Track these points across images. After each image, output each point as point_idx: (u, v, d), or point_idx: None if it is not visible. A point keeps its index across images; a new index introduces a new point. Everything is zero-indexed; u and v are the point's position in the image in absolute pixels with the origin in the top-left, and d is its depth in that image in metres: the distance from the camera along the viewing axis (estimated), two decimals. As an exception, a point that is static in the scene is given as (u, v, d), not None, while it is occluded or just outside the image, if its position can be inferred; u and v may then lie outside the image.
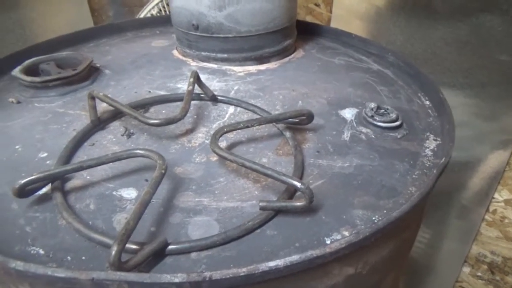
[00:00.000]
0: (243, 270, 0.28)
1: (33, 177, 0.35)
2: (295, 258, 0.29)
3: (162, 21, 0.80)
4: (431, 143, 0.46)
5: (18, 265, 0.28)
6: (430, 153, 0.45)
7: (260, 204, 0.35)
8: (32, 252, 0.32)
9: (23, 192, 0.35)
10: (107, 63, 0.63)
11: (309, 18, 1.26)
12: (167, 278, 0.27)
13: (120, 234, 0.29)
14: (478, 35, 0.88)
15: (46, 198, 0.37)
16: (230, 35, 0.60)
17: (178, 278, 0.27)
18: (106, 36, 0.75)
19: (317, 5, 1.26)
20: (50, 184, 0.38)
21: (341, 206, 0.37)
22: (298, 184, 0.34)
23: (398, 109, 0.51)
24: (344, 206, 0.37)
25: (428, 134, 0.48)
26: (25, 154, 0.43)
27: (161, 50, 0.69)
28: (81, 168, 0.37)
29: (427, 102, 0.55)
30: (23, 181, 0.34)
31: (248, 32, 0.60)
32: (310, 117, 0.45)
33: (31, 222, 0.35)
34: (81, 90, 0.55)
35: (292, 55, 0.68)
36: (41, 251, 0.32)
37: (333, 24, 1.16)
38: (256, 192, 0.38)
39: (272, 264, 0.28)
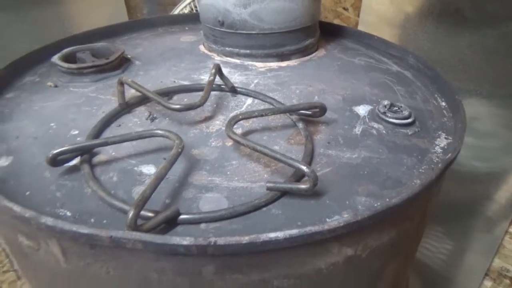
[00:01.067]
0: (245, 239, 0.30)
1: (64, 148, 0.39)
2: (294, 231, 0.31)
3: (191, 19, 0.84)
4: (442, 141, 0.47)
5: (48, 220, 0.32)
6: (439, 150, 0.46)
7: (267, 184, 0.37)
8: (60, 213, 0.36)
9: (55, 161, 0.39)
10: (137, 55, 0.68)
11: (337, 22, 1.28)
12: (176, 240, 0.30)
13: (137, 200, 0.32)
14: (508, 43, 0.87)
15: (75, 169, 0.41)
16: (253, 32, 0.63)
17: (186, 241, 0.30)
18: (139, 30, 0.79)
19: (345, 9, 1.28)
20: (79, 157, 0.41)
21: (345, 193, 0.39)
22: (303, 167, 0.36)
23: (413, 108, 0.53)
24: (348, 193, 0.39)
25: (440, 132, 0.49)
26: (58, 131, 0.47)
27: (189, 45, 0.73)
28: (106, 144, 0.41)
29: (443, 103, 0.56)
30: (55, 151, 0.38)
31: (270, 30, 0.63)
32: (322, 109, 0.47)
33: (61, 188, 0.39)
34: (112, 77, 0.59)
35: (314, 54, 0.70)
36: (68, 213, 0.36)
37: (360, 28, 1.17)
38: (265, 175, 0.40)
39: (272, 235, 0.31)
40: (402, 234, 0.40)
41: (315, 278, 0.36)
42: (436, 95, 0.58)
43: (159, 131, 0.41)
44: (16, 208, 0.33)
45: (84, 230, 0.31)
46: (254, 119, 0.50)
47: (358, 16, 1.22)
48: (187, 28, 0.83)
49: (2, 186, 0.39)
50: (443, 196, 1.19)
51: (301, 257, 0.34)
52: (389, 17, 1.07)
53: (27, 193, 0.38)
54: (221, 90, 0.56)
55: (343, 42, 0.77)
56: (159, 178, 0.35)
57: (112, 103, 0.53)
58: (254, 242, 0.30)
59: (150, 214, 0.34)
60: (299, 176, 0.39)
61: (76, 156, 0.41)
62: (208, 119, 0.50)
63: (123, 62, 0.64)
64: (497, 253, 1.15)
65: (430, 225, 1.23)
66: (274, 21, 0.62)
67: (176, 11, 1.22)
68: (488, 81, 0.93)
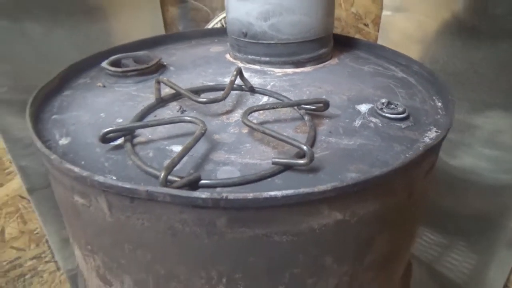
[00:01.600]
0: (250, 195, 0.38)
1: (112, 128, 0.49)
2: (290, 191, 0.39)
3: (220, 32, 0.95)
4: (432, 134, 0.54)
5: (100, 178, 0.41)
6: (428, 140, 0.52)
7: (273, 159, 0.45)
8: (108, 177, 0.45)
9: (105, 139, 0.49)
10: (172, 62, 0.78)
11: (358, 37, 1.35)
12: (196, 194, 0.39)
13: (167, 164, 0.41)
14: (520, 55, 0.91)
15: (119, 146, 0.51)
16: (272, 42, 0.72)
17: (204, 195, 0.38)
18: (174, 42, 0.91)
19: (366, 25, 1.35)
20: (123, 138, 0.51)
21: (339, 170, 0.46)
22: (302, 146, 0.44)
23: (410, 107, 0.59)
24: (341, 170, 0.46)
25: (431, 127, 0.56)
26: (107, 119, 0.57)
27: (217, 54, 0.83)
28: (145, 126, 0.50)
29: (439, 104, 0.62)
30: (105, 130, 0.48)
31: (287, 40, 0.72)
32: (326, 104, 0.55)
33: (108, 160, 0.48)
34: (151, 80, 0.70)
35: (327, 62, 0.78)
36: (114, 177, 0.45)
37: (379, 42, 1.24)
38: (272, 155, 0.49)
39: (272, 193, 0.38)
40: (387, 208, 0.47)
41: (309, 237, 0.43)
42: (434, 97, 0.64)
43: (187, 117, 0.50)
44: (76, 169, 0.43)
45: (127, 185, 0.40)
46: (267, 113, 0.58)
47: (378, 31, 1.29)
48: (216, 40, 0.93)
49: (64, 158, 0.49)
50: (468, 210, 1.20)
51: (297, 216, 0.41)
52: (407, 32, 1.13)
53: (82, 162, 0.48)
54: (241, 89, 0.65)
55: (356, 52, 0.84)
56: (186, 150, 0.44)
57: (150, 99, 0.63)
58: (257, 198, 0.38)
59: (177, 179, 0.43)
60: (300, 155, 0.47)
61: (121, 136, 0.51)
62: (228, 112, 0.59)
63: (160, 68, 0.75)
64: (516, 264, 1.15)
65: (453, 239, 1.25)
66: (290, 33, 0.71)
67: (209, 27, 1.34)
68: (503, 92, 0.97)
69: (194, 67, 0.76)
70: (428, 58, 1.09)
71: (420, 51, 1.11)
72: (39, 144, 0.48)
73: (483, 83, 1.00)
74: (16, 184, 1.11)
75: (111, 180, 0.41)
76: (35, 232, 1.24)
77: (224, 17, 1.33)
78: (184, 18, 1.37)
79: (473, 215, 1.17)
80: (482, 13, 0.94)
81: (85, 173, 0.42)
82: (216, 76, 0.71)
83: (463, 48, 1.01)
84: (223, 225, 0.41)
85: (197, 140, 0.46)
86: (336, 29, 1.38)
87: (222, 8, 1.39)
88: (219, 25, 1.36)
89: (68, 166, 0.43)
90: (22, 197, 1.15)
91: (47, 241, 1.26)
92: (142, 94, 0.65)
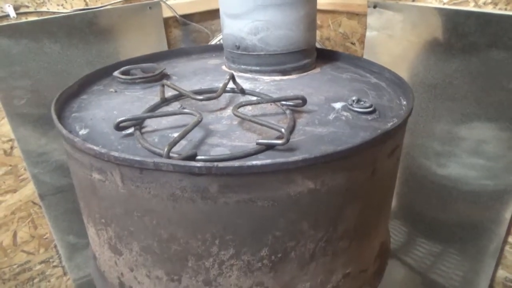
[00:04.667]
0: (236, 163, 0.48)
1: (125, 117, 0.59)
2: (268, 161, 0.48)
3: (218, 48, 1.07)
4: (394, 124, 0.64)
5: (115, 153, 0.51)
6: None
7: (257, 140, 0.55)
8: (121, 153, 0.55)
9: (118, 127, 0.59)
10: (174, 72, 0.89)
11: (345, 54, 1.46)
12: (192, 163, 0.48)
13: (170, 142, 0.51)
14: (488, 67, 1.01)
15: (130, 134, 0.60)
16: (261, 53, 0.83)
17: (199, 163, 0.48)
18: (177, 57, 1.02)
19: (352, 43, 1.47)
20: (133, 128, 0.61)
21: (311, 149, 0.56)
22: (281, 128, 0.54)
23: (378, 105, 0.69)
24: (313, 149, 0.56)
25: (394, 119, 0.65)
26: (119, 115, 0.68)
27: (214, 66, 0.94)
28: (152, 116, 0.61)
29: (404, 102, 0.72)
30: (119, 119, 0.58)
31: (275, 51, 0.83)
32: (304, 100, 0.65)
33: (121, 144, 0.58)
34: (156, 86, 0.80)
35: (310, 71, 0.89)
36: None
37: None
38: (257, 139, 0.58)
39: (254, 162, 0.48)
40: (353, 181, 0.56)
41: (287, 203, 0.52)
42: (400, 97, 0.74)
43: (186, 110, 0.60)
44: (96, 148, 0.52)
45: (137, 158, 0.50)
46: (255, 109, 0.68)
47: (363, 49, 1.40)
48: (214, 55, 1.04)
49: (83, 143, 0.59)
50: (457, 217, 1.27)
51: (276, 183, 0.50)
52: (388, 49, 1.25)
53: (100, 146, 0.58)
54: (234, 92, 0.75)
55: (337, 63, 0.95)
56: (185, 132, 0.54)
57: (155, 100, 0.73)
58: (242, 166, 0.48)
59: (178, 155, 0.53)
60: (280, 138, 0.57)
61: (131, 126, 0.61)
62: (222, 109, 0.69)
63: (163, 76, 0.85)
64: (499, 264, 1.21)
65: (445, 247, 1.32)
66: (277, 45, 0.82)
67: (208, 46, 1.46)
68: (475, 102, 1.07)
69: (193, 76, 0.87)
70: (409, 72, 1.20)
71: (402, 66, 1.22)
72: (64, 131, 0.58)
73: (458, 94, 1.10)
74: (29, 190, 1.21)
75: (124, 154, 0.50)
76: (44, 237, 1.31)
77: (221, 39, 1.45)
78: (186, 39, 1.49)
79: (462, 223, 1.24)
80: (453, 30, 1.05)
81: (103, 150, 0.52)
82: (213, 82, 0.82)
83: (438, 62, 1.12)
84: (215, 191, 0.50)
85: (195, 125, 0.56)
86: (327, 48, 1.50)
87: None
88: (218, 45, 1.48)
89: (89, 145, 0.53)
90: (34, 203, 1.24)
91: (55, 246, 1.33)
92: (149, 96, 0.76)
